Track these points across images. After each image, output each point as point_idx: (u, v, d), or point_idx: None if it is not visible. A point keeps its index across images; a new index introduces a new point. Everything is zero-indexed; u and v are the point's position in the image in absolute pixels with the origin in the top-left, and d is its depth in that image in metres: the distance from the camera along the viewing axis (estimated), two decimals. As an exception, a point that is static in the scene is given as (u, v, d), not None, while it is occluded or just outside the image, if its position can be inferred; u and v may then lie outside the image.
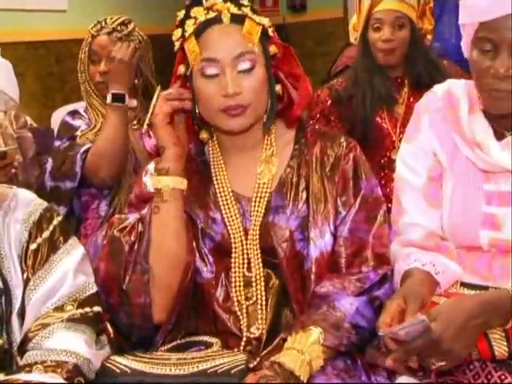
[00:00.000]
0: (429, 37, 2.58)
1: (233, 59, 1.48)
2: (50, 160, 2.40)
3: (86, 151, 2.30)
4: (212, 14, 1.50)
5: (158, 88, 1.56)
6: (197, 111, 1.55)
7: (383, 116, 2.49)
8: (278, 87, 1.56)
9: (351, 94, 2.50)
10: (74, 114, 2.45)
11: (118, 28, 2.43)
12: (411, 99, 2.46)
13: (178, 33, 1.53)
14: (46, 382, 1.28)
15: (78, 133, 2.37)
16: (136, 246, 1.49)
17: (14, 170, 2.49)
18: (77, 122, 2.41)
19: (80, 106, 2.56)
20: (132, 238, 1.50)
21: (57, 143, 2.40)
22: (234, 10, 1.50)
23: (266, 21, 1.54)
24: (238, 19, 1.50)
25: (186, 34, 1.50)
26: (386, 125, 2.48)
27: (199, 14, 1.51)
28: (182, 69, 1.54)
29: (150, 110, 1.53)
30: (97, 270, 1.50)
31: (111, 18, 2.44)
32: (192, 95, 1.54)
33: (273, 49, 1.55)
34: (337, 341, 1.41)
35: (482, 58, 1.41)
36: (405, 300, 1.37)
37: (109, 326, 1.51)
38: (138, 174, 1.69)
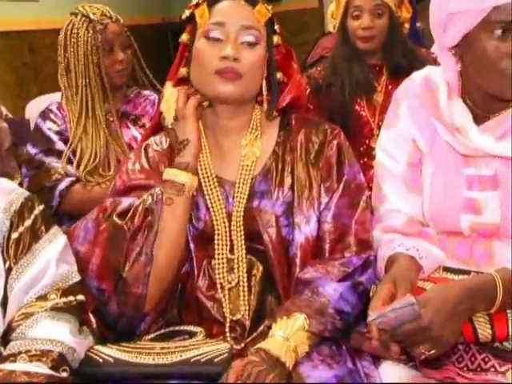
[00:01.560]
0: (406, 25, 2.59)
1: (239, 29, 1.51)
2: (24, 170, 2.34)
3: (66, 187, 2.26)
4: None
5: (170, 83, 1.57)
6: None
7: (362, 104, 2.50)
8: (279, 74, 1.59)
9: (330, 82, 2.51)
10: (44, 116, 2.39)
11: (118, 18, 2.40)
12: (390, 87, 2.47)
13: (187, 12, 1.59)
14: (31, 371, 1.27)
15: (57, 145, 2.31)
16: (141, 235, 1.47)
17: None
18: (48, 129, 2.35)
19: (55, 97, 2.52)
20: (134, 225, 1.48)
21: (31, 150, 2.34)
22: None
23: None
24: (251, 0, 1.55)
25: (200, 1, 1.55)
26: (364, 113, 2.49)
27: None
28: (184, 37, 1.58)
29: (174, 106, 1.54)
30: (89, 254, 1.48)
31: (97, 8, 2.39)
32: (188, 63, 1.57)
33: (277, 39, 1.59)
34: (321, 326, 1.41)
35: (497, 42, 1.40)
36: (394, 284, 1.38)
37: (91, 316, 1.50)
38: (123, 162, 1.68)
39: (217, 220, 1.53)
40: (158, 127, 1.66)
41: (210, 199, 1.54)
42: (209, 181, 1.56)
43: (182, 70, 1.58)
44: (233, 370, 1.31)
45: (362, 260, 1.51)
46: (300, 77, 1.66)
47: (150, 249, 1.46)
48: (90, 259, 1.48)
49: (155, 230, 1.47)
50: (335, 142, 1.58)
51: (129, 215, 1.49)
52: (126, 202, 1.52)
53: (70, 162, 2.30)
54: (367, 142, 2.48)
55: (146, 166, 1.59)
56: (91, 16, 2.35)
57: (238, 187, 1.55)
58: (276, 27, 1.60)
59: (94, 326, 1.50)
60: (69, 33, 2.34)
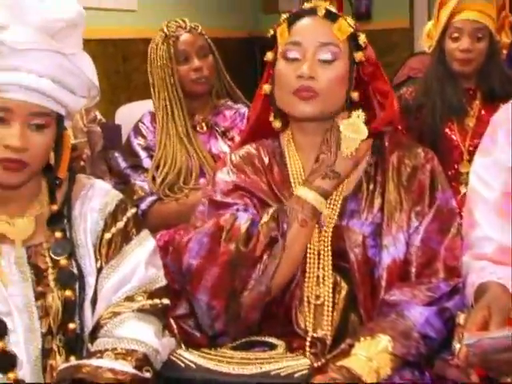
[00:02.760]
0: (504, 51, 2.53)
1: (316, 46, 1.52)
2: (112, 181, 2.41)
3: (148, 206, 2.32)
4: (308, 6, 1.58)
5: (361, 113, 1.54)
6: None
7: (453, 127, 2.45)
8: (354, 94, 1.57)
9: (421, 103, 2.47)
10: (136, 130, 2.46)
11: (193, 26, 2.46)
12: (483, 112, 2.41)
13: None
14: (117, 369, 1.30)
15: (144, 162, 2.38)
16: (262, 265, 1.47)
17: (82, 163, 2.54)
18: (138, 144, 2.42)
19: (143, 104, 2.59)
20: (256, 253, 1.47)
21: (121, 163, 2.43)
22: (331, 8, 1.57)
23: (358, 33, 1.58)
24: (331, 16, 1.56)
25: (281, 20, 1.58)
26: (455, 137, 2.44)
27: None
28: (269, 55, 1.60)
29: (355, 143, 1.52)
30: (203, 269, 1.48)
31: (176, 21, 2.46)
32: (272, 80, 1.59)
33: (359, 56, 1.56)
34: (405, 350, 1.39)
35: None
36: (489, 312, 1.34)
37: (173, 322, 1.52)
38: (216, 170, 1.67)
39: None
40: (248, 140, 1.67)
41: None
42: None
43: (266, 87, 1.60)
44: None
45: (449, 287, 1.49)
46: (392, 93, 1.64)
47: (270, 280, 1.46)
48: (204, 274, 1.48)
49: (277, 262, 1.46)
50: (428, 167, 1.57)
51: (251, 243, 1.47)
52: (242, 218, 1.51)
53: (154, 178, 2.37)
54: (456, 166, 2.43)
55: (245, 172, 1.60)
56: (165, 30, 2.42)
57: (329, 204, 1.55)
58: (361, 42, 1.57)
59: (176, 331, 1.52)
60: (150, 49, 2.43)
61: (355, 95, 1.58)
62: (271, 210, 1.51)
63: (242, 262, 1.47)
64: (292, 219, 1.48)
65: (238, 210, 1.54)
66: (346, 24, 1.55)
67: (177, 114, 2.40)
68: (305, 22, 1.56)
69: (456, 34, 2.41)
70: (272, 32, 1.61)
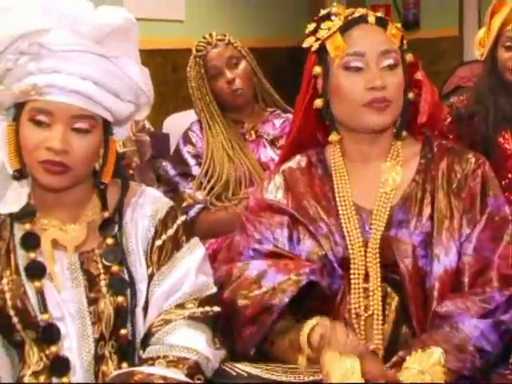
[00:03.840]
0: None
1: (378, 55, 1.50)
2: (161, 189, 2.42)
3: (196, 213, 2.34)
4: (357, 14, 1.56)
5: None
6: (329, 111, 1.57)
7: (506, 137, 2.39)
8: (410, 94, 1.57)
9: (473, 112, 2.42)
10: (185, 138, 2.49)
11: (219, 38, 2.47)
12: (537, 121, 2.35)
13: (310, 40, 1.58)
14: (168, 376, 1.30)
15: (193, 170, 2.40)
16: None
17: (131, 172, 2.57)
18: (187, 152, 2.45)
19: (190, 114, 2.61)
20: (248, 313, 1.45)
21: (170, 171, 2.46)
22: (378, 14, 1.57)
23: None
24: (381, 22, 1.55)
25: (330, 32, 1.53)
26: (508, 146, 2.39)
27: (343, 13, 1.56)
28: (317, 69, 1.56)
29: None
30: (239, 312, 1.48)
31: (204, 38, 2.48)
32: (324, 94, 1.55)
33: (409, 57, 1.57)
34: (460, 364, 1.36)
35: None
36: None
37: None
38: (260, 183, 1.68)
39: (353, 248, 1.50)
40: (290, 154, 1.66)
41: (346, 227, 1.52)
42: (346, 208, 1.54)
43: (318, 102, 1.57)
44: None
45: (504, 297, 1.44)
46: (428, 83, 1.61)
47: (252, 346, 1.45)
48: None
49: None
50: (479, 172, 1.53)
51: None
52: (253, 269, 1.49)
53: (202, 186, 2.39)
54: (510, 175, 2.37)
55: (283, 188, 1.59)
56: (193, 50, 2.47)
57: (376, 215, 1.52)
58: (405, 44, 1.58)
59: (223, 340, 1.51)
60: (187, 71, 2.49)
61: (411, 95, 1.57)
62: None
63: (235, 316, 1.46)
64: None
65: (253, 256, 1.54)
66: (396, 29, 1.56)
67: (217, 130, 2.43)
68: (359, 30, 1.53)
69: (509, 43, 2.35)
70: (316, 45, 1.56)
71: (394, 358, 1.44)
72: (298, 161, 1.63)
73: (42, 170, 1.35)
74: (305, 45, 1.60)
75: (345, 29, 1.54)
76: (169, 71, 4.16)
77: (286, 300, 1.41)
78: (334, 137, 1.58)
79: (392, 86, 1.50)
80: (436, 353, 1.36)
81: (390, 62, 1.51)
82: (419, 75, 1.60)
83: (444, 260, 1.47)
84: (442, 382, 1.34)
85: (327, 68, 1.55)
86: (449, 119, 2.45)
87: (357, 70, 1.50)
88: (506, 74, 2.37)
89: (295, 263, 1.49)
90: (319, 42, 1.55)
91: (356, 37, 1.53)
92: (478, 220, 1.49)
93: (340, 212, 1.54)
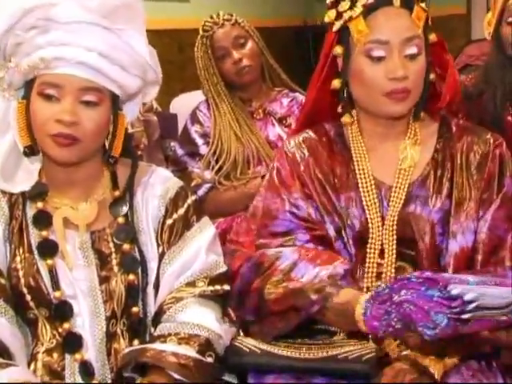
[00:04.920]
0: None
1: (401, 42, 1.46)
2: (170, 169, 2.42)
3: (205, 192, 2.35)
4: None
5: None
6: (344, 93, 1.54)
7: (515, 115, 2.39)
8: (432, 76, 1.54)
9: (481, 90, 2.41)
10: (193, 118, 2.49)
11: (226, 17, 2.46)
12: (547, 98, 2.34)
13: (331, 14, 1.53)
14: (180, 353, 1.31)
15: (201, 149, 2.41)
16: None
17: (139, 153, 2.57)
18: (195, 131, 2.45)
19: (197, 95, 2.61)
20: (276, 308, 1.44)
21: (178, 150, 2.46)
22: None
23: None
24: (407, 3, 1.48)
25: (354, 14, 1.48)
26: (517, 124, 2.38)
27: None
28: (338, 49, 1.53)
29: None
30: (242, 300, 1.49)
31: (211, 18, 2.47)
32: (339, 75, 1.53)
33: (432, 37, 1.53)
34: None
35: None
36: None
37: (230, 310, 1.52)
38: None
39: (372, 223, 1.50)
40: (303, 128, 1.64)
41: (366, 201, 1.52)
42: (366, 182, 1.53)
43: (336, 82, 1.55)
44: (385, 377, 1.30)
45: None
46: (452, 64, 1.59)
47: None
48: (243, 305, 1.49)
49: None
50: (497, 153, 1.53)
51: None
52: (285, 259, 1.47)
53: (211, 165, 2.39)
54: (519, 153, 2.36)
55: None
56: (200, 31, 2.46)
57: (395, 191, 1.51)
58: (429, 20, 1.52)
59: (234, 318, 1.52)
60: (195, 52, 2.48)
61: (432, 77, 1.54)
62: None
63: (263, 307, 1.46)
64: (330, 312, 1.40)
65: (291, 219, 1.53)
66: (421, 9, 1.49)
67: (225, 109, 2.43)
68: (384, 15, 1.47)
69: (511, 18, 2.34)
70: (338, 25, 1.51)
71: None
72: (317, 133, 1.61)
73: (52, 144, 1.36)
74: (326, 19, 1.55)
75: (369, 11, 1.48)
76: (175, 51, 4.16)
77: (316, 308, 1.39)
78: (347, 119, 1.56)
79: (413, 75, 1.47)
80: None
81: (414, 50, 1.46)
82: (447, 57, 1.57)
83: (460, 239, 1.47)
84: (455, 358, 1.34)
85: (348, 49, 1.51)
86: (458, 97, 2.44)
87: (379, 59, 1.47)
88: (509, 50, 2.35)
89: (329, 256, 1.47)
90: (341, 21, 1.51)
91: (380, 22, 1.47)
92: (494, 199, 1.49)
93: (360, 185, 1.53)
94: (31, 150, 1.40)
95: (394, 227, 1.49)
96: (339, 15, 1.51)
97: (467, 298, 1.22)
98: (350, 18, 1.49)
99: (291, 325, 1.43)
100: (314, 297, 1.39)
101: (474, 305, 1.22)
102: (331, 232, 1.52)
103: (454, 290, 1.23)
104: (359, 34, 1.48)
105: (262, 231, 1.55)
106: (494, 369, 1.38)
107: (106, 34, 1.37)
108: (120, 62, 1.39)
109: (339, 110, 1.57)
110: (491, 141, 1.54)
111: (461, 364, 1.36)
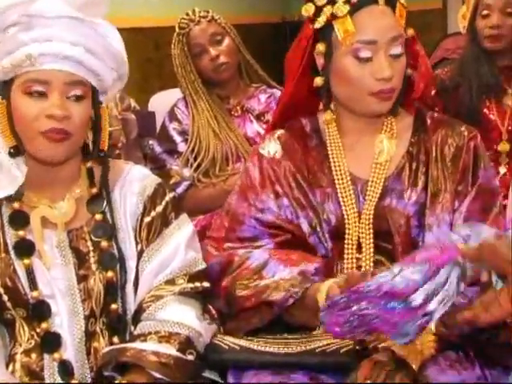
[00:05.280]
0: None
1: (387, 42, 1.46)
2: (148, 167, 2.43)
3: (184, 190, 2.34)
4: None
5: None
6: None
7: (491, 107, 2.41)
8: (409, 71, 1.54)
9: (457, 83, 2.43)
10: (171, 115, 2.48)
11: (202, 14, 2.45)
12: (522, 90, 2.36)
13: (309, 8, 1.51)
14: (160, 351, 1.31)
15: (179, 147, 2.40)
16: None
17: (117, 151, 2.56)
18: (173, 129, 2.44)
19: (176, 92, 2.60)
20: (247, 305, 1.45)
21: (156, 148, 2.45)
22: None
23: None
24: (391, 2, 1.48)
25: (338, 12, 1.47)
26: (493, 116, 2.40)
27: None
28: (320, 47, 1.51)
29: None
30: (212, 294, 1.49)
31: (187, 15, 2.47)
32: (325, 73, 1.52)
33: (410, 32, 1.53)
34: (449, 331, 1.37)
35: None
36: None
37: (211, 307, 1.52)
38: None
39: (348, 218, 1.51)
40: (280, 122, 1.65)
41: (342, 196, 1.52)
42: (342, 178, 1.54)
43: (318, 80, 1.54)
44: (361, 370, 1.30)
45: None
46: (423, 53, 1.59)
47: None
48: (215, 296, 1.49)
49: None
50: (472, 145, 1.54)
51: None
52: (254, 259, 1.47)
53: (189, 163, 2.38)
54: (495, 146, 2.38)
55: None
56: (176, 28, 2.45)
57: (371, 185, 1.52)
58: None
59: (215, 316, 1.52)
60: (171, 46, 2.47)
61: (409, 71, 1.54)
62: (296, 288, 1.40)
63: (234, 304, 1.46)
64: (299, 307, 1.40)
65: (255, 226, 1.53)
66: (402, 6, 1.50)
67: (203, 106, 2.42)
68: (369, 13, 1.46)
69: (486, 11, 2.36)
70: (322, 22, 1.49)
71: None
72: (292, 128, 1.61)
73: (43, 141, 1.35)
74: (304, 13, 1.53)
75: (354, 10, 1.47)
76: (152, 49, 4.14)
77: (291, 301, 1.40)
78: (328, 116, 1.56)
79: (398, 74, 1.48)
80: None
81: (398, 50, 1.46)
82: (418, 47, 1.57)
83: (436, 231, 1.48)
84: (432, 349, 1.36)
85: (331, 47, 1.50)
86: (433, 91, 2.46)
87: (366, 60, 1.46)
88: (484, 43, 2.38)
89: (298, 256, 1.48)
90: (324, 18, 1.49)
91: (366, 22, 1.46)
92: (469, 191, 1.51)
93: (336, 181, 1.54)
94: (17, 151, 1.38)
95: (371, 221, 1.50)
96: (318, 10, 1.50)
97: (431, 308, 1.20)
98: (335, 16, 1.48)
99: (265, 320, 1.43)
100: (286, 292, 1.39)
101: (437, 309, 1.21)
102: (305, 227, 1.52)
103: (414, 301, 1.20)
104: (346, 34, 1.47)
105: (230, 235, 1.56)
106: (472, 359, 1.39)
107: (85, 27, 1.37)
108: (101, 56, 1.39)
109: (321, 107, 1.58)
110: (466, 133, 1.56)
111: (438, 355, 1.36)
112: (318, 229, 1.51)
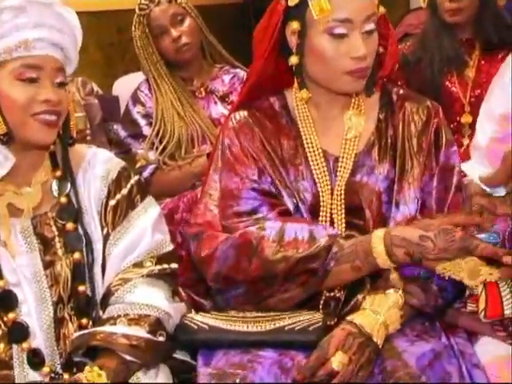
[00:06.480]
0: (502, -2, 2.48)
1: (363, 20, 1.45)
2: (113, 151, 2.41)
3: (150, 174, 2.33)
4: None
5: None
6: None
7: (453, 80, 2.42)
8: (380, 49, 1.54)
9: (419, 57, 2.44)
10: (134, 99, 2.46)
11: None
12: (482, 62, 2.38)
13: None
14: (130, 334, 1.31)
15: (144, 130, 2.39)
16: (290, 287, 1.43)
17: (87, 138, 2.53)
18: (137, 112, 2.43)
19: (140, 76, 2.58)
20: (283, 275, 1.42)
21: (121, 132, 2.43)
22: None
23: None
24: None
25: None
26: (455, 89, 2.41)
27: None
28: (294, 25, 1.49)
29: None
30: (232, 277, 1.45)
31: None
32: (298, 51, 1.51)
33: (382, 9, 1.53)
34: (424, 302, 1.41)
35: None
36: None
37: (181, 290, 1.52)
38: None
39: (323, 195, 1.51)
40: (246, 100, 1.63)
41: (316, 173, 1.52)
42: (315, 154, 1.54)
43: (293, 59, 1.52)
44: (334, 338, 1.32)
45: None
46: (393, 32, 1.60)
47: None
48: (231, 288, 1.46)
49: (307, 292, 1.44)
50: (435, 121, 1.56)
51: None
52: (270, 229, 1.45)
53: (155, 146, 2.37)
54: (458, 118, 2.40)
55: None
56: (136, 10, 2.42)
57: (342, 161, 1.53)
58: None
59: (185, 298, 1.52)
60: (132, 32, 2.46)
61: (380, 50, 1.54)
62: (324, 240, 1.41)
63: (274, 280, 1.43)
64: (346, 260, 1.41)
65: (255, 196, 1.51)
66: None
67: (167, 89, 2.41)
68: None
69: None
70: (296, 0, 1.47)
71: (353, 301, 1.47)
72: (262, 106, 1.60)
73: (36, 124, 1.36)
74: (292, 3, 1.49)
75: None
76: (114, 33, 4.07)
77: (332, 264, 1.40)
78: (304, 95, 1.54)
79: (371, 52, 1.48)
80: (393, 295, 1.39)
81: (372, 27, 1.46)
82: (388, 26, 1.57)
83: (403, 207, 1.49)
84: (398, 323, 1.38)
85: (305, 25, 1.49)
86: (396, 66, 2.46)
87: (340, 37, 1.45)
88: (444, 16, 2.39)
89: (304, 220, 1.48)
90: None
91: (341, 0, 1.44)
92: (435, 171, 1.52)
93: (309, 158, 1.54)
94: (9, 137, 1.37)
95: (342, 197, 1.50)
96: None
97: None
98: None
99: (313, 288, 1.42)
100: (326, 253, 1.40)
101: None
102: (290, 205, 1.52)
103: None
104: (321, 12, 1.45)
105: (227, 212, 1.52)
106: (438, 329, 1.42)
107: (61, 13, 1.38)
108: (74, 42, 1.42)
109: (295, 85, 1.56)
110: (431, 108, 1.57)
111: (405, 326, 1.39)
112: (300, 207, 1.51)
